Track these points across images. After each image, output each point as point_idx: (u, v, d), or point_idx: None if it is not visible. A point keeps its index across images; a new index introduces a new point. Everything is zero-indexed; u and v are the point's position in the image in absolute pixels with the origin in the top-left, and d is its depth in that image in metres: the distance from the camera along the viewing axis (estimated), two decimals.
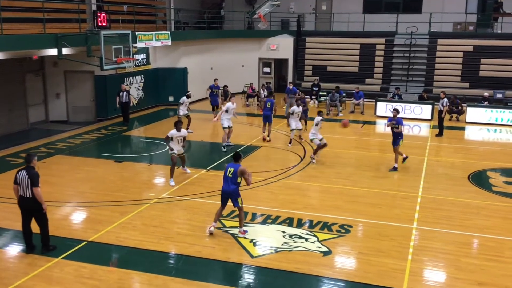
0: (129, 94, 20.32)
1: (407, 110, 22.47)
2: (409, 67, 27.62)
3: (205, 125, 20.41)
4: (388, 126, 14.46)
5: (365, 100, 23.68)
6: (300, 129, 17.21)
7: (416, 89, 26.37)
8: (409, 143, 18.02)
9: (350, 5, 30.33)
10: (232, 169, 9.62)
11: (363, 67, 28.32)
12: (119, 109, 20.14)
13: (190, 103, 19.55)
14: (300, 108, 17.14)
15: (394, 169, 14.33)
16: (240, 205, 9.73)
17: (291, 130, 17.05)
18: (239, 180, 9.61)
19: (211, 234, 9.80)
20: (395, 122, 14.24)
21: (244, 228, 9.95)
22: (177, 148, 12.94)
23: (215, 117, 18.32)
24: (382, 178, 13.76)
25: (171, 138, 12.81)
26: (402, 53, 28.10)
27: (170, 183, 12.73)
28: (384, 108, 22.74)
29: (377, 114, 22.88)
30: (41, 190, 8.75)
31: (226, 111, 16.26)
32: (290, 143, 17.03)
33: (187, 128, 18.19)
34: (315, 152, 15.20)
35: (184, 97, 18.83)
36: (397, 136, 14.22)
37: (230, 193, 9.66)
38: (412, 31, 27.72)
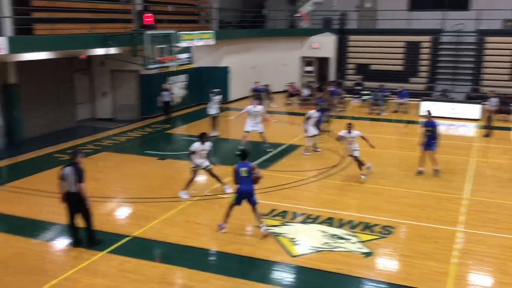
0: (171, 93, 20.57)
1: (454, 109, 21.87)
2: (456, 66, 26.86)
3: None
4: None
5: (409, 99, 23.19)
6: (316, 135, 15.77)
7: (463, 88, 25.62)
8: (455, 143, 17.57)
9: (395, 2, 29.74)
10: (245, 168, 9.64)
11: (407, 66, 27.74)
12: (161, 107, 20.47)
13: (224, 102, 19.11)
14: (318, 114, 15.65)
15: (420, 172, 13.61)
16: (257, 201, 9.82)
17: (307, 137, 15.63)
18: (253, 177, 9.66)
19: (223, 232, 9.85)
20: (427, 125, 13.56)
21: (266, 227, 9.82)
22: (199, 162, 11.80)
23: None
24: (425, 179, 13.45)
25: (193, 152, 11.69)
26: (448, 51, 27.37)
27: (182, 195, 11.81)
28: (429, 108, 22.15)
29: (421, 113, 22.35)
30: (88, 186, 9.02)
31: (249, 114, 15.58)
32: (307, 151, 15.67)
33: (214, 130, 18.09)
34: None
35: (211, 95, 18.49)
36: (430, 140, 13.47)
37: (250, 192, 9.69)
38: (459, 29, 26.93)
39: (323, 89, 22.94)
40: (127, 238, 9.67)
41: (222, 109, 18.45)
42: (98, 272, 8.42)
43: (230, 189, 11.83)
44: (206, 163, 11.87)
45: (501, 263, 8.76)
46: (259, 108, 15.76)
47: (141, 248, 9.32)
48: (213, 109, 18.26)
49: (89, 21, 16.78)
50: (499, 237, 9.80)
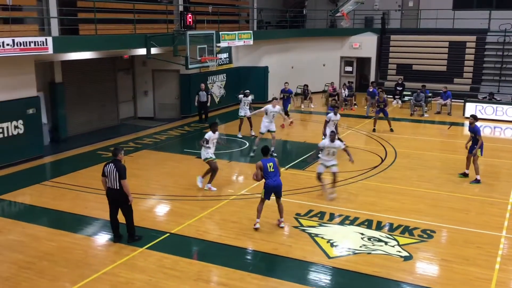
0: (207, 93, 20.51)
1: (499, 111, 21.19)
2: (502, 66, 25.99)
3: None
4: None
5: (452, 100, 22.60)
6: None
7: (510, 89, 24.75)
8: (501, 146, 17.02)
9: (439, 1, 29.03)
10: (271, 164, 9.86)
11: (451, 66, 27.02)
12: (197, 107, 20.51)
13: (263, 102, 18.68)
14: (338, 116, 15.05)
15: (476, 181, 12.97)
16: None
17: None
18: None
19: (256, 229, 9.96)
20: (470, 130, 13.22)
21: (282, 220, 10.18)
22: (212, 152, 12.19)
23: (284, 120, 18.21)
24: (469, 183, 13.07)
25: (207, 141, 12.02)
26: (494, 51, 26.50)
27: (198, 182, 12.29)
28: (473, 109, 21.53)
29: (466, 115, 21.73)
30: (128, 182, 9.20)
31: (266, 113, 15.24)
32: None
33: (251, 130, 17.92)
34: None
35: (241, 95, 18.09)
36: (473, 144, 13.12)
37: (280, 186, 9.96)
38: (506, 28, 26.04)
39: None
40: (166, 235, 9.81)
41: (255, 109, 18.00)
42: (137, 267, 8.57)
43: (215, 189, 12.30)
44: (210, 154, 12.21)
45: None
46: (277, 108, 15.52)
47: (179, 245, 9.44)
48: (242, 110, 17.94)
49: (132, 22, 17.12)
50: None
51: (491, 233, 9.94)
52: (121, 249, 9.22)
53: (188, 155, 15.80)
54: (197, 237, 9.76)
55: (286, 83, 21.17)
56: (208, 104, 20.63)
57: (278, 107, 15.71)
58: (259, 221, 10.07)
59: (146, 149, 16.54)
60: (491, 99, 22.59)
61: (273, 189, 9.90)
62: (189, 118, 21.25)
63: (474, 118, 13.40)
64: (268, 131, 15.36)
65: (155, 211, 11.47)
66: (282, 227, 10.12)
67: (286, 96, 20.87)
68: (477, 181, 12.99)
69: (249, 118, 17.94)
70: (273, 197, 10.07)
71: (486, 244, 9.41)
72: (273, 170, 9.83)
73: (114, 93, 20.29)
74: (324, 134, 14.61)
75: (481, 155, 13.16)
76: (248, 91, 18.32)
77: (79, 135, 18.06)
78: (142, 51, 17.49)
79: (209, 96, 20.62)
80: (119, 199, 9.23)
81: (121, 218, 9.45)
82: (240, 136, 17.89)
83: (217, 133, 12.32)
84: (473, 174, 13.15)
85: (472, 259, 8.80)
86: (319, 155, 12.07)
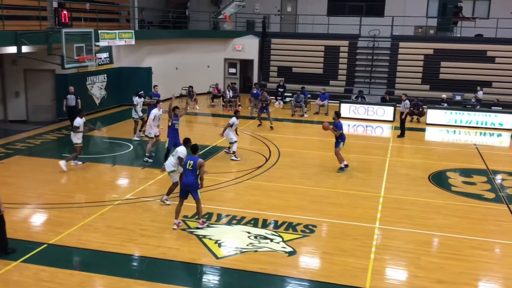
0: (77, 98, 18.57)
1: (370, 111, 22.87)
2: (372, 69, 28.11)
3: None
4: (326, 129, 14.50)
5: (329, 101, 23.96)
6: (236, 141, 15.45)
7: (379, 91, 26.86)
8: (371, 144, 18.37)
9: (314, 7, 30.66)
10: (191, 162, 9.90)
11: (327, 69, 28.65)
12: (66, 112, 18.67)
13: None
14: (238, 121, 15.59)
15: (341, 169, 14.34)
16: (199, 197, 10.06)
17: (232, 143, 15.36)
18: (198, 172, 9.92)
19: (176, 229, 10.06)
20: (334, 125, 14.39)
21: (203, 220, 10.32)
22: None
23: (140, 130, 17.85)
24: (345, 178, 13.96)
25: (77, 128, 13.80)
26: (365, 55, 28.58)
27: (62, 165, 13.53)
28: (348, 109, 23.06)
29: (341, 115, 23.12)
30: None
31: (153, 118, 15.00)
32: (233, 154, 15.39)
33: (140, 131, 17.52)
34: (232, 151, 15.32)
35: (137, 97, 17.41)
36: (337, 139, 14.39)
37: (190, 185, 9.94)
38: (375, 34, 28.22)
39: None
40: (43, 246, 9.19)
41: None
42: (12, 282, 7.94)
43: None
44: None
45: (416, 257, 9.25)
46: (161, 111, 15.37)
47: (58, 256, 8.90)
48: (139, 112, 17.33)
49: (0, 18, 15.79)
50: (414, 233, 10.35)
51: (365, 225, 10.68)
52: None
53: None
54: (79, 246, 9.28)
55: (155, 86, 19.95)
56: (79, 107, 18.44)
57: (161, 110, 15.47)
58: (177, 221, 10.07)
59: (19, 154, 15.37)
60: (358, 97, 24.27)
61: (185, 186, 9.99)
62: (67, 121, 20.06)
63: (337, 115, 14.68)
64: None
65: (31, 221, 10.69)
66: (201, 227, 10.16)
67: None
68: (342, 169, 14.30)
69: (142, 119, 17.36)
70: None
71: (362, 235, 10.10)
72: (190, 168, 9.85)
73: None
74: (222, 135, 15.39)
75: (342, 146, 14.43)
76: (142, 92, 17.76)
77: None
78: (12, 49, 16.18)
79: (78, 100, 18.64)
80: None
81: None
82: (137, 138, 17.31)
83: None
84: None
85: (350, 251, 9.39)
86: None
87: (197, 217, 10.40)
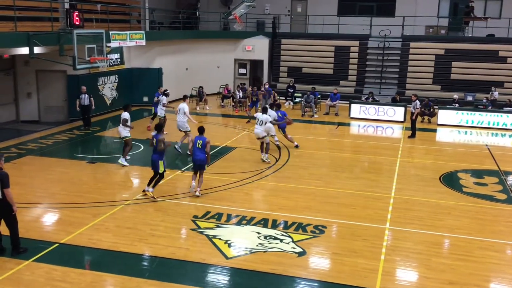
0: (90, 96, 19.08)
1: (381, 112, 22.77)
2: (383, 70, 28.00)
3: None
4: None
5: (339, 102, 23.90)
6: None
7: (389, 91, 26.75)
8: (382, 144, 18.30)
9: (325, 8, 30.60)
10: (201, 141, 11.73)
11: (337, 69, 28.58)
12: (79, 112, 19.12)
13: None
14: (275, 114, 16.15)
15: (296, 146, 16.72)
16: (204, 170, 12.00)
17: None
18: (206, 149, 11.68)
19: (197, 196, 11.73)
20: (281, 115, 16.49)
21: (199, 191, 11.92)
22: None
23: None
24: (356, 179, 13.92)
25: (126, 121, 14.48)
26: (375, 55, 28.47)
27: (123, 162, 14.46)
28: (358, 110, 22.99)
29: (351, 115, 23.12)
30: (12, 191, 8.57)
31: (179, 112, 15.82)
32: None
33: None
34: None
35: (164, 97, 17.87)
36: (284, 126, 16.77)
37: (201, 161, 11.73)
38: (385, 34, 28.11)
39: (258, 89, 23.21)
40: (54, 246, 9.28)
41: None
42: (24, 282, 8.02)
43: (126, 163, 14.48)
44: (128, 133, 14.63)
45: (426, 258, 9.21)
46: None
47: (69, 256, 8.97)
48: (162, 110, 17.83)
49: (12, 19, 15.96)
50: (424, 234, 10.30)
51: (376, 225, 10.65)
52: (5, 262, 8.57)
53: (78, 160, 15.07)
54: (90, 246, 9.35)
55: (160, 87, 20.66)
56: (93, 107, 19.25)
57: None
58: (195, 187, 11.93)
59: (31, 154, 15.51)
60: (369, 98, 24.19)
61: (194, 162, 11.87)
62: (79, 122, 20.23)
63: (278, 106, 16.97)
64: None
65: (42, 220, 10.79)
66: (197, 196, 11.77)
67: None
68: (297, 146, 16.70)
69: (164, 118, 17.92)
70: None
71: (372, 236, 10.07)
72: (200, 147, 11.66)
73: None
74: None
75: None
76: (168, 91, 18.64)
77: None
78: (24, 50, 16.34)
79: (91, 99, 19.12)
80: (2, 210, 8.57)
81: (3, 229, 8.77)
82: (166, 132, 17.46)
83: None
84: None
85: (360, 251, 9.37)
86: None
87: (197, 186, 11.93)
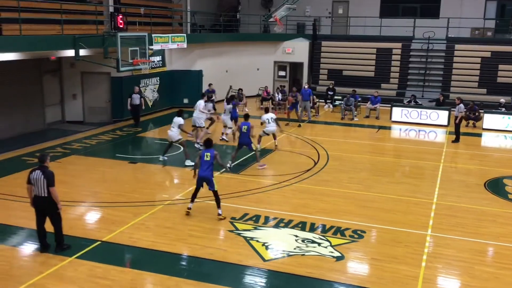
0: (141, 96, 20.33)
1: (423, 115, 22.26)
2: (426, 72, 27.40)
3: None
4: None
5: (380, 105, 23.51)
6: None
7: (432, 94, 26.14)
8: (424, 149, 17.89)
9: (366, 9, 30.19)
10: (209, 154, 10.74)
11: (379, 72, 28.14)
12: (130, 111, 20.15)
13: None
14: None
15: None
16: (216, 188, 10.72)
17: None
18: (214, 162, 10.78)
19: (188, 212, 10.92)
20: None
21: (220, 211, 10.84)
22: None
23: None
24: (396, 183, 13.65)
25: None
26: (419, 58, 27.89)
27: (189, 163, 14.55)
28: (399, 113, 22.56)
29: (393, 119, 22.71)
30: (56, 189, 8.82)
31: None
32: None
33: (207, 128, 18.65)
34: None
35: (202, 101, 17.67)
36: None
37: (207, 177, 10.67)
38: (429, 36, 27.50)
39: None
40: (97, 243, 9.49)
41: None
42: (66, 278, 8.24)
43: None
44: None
45: (469, 266, 8.93)
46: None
47: (110, 253, 9.17)
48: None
49: (59, 22, 16.48)
50: (467, 241, 10.00)
51: (417, 232, 10.40)
52: (49, 259, 8.82)
53: (120, 160, 15.40)
54: (130, 244, 9.52)
55: (210, 84, 22.42)
56: (143, 107, 20.34)
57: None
58: (191, 205, 10.96)
59: (75, 154, 15.95)
60: (411, 101, 23.69)
61: (201, 178, 10.71)
62: (121, 122, 20.73)
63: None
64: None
65: (85, 218, 11.07)
66: (221, 218, 10.74)
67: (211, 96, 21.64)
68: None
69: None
70: None
71: (413, 242, 9.84)
72: (208, 159, 10.66)
73: (40, 96, 19.40)
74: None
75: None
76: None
77: (3, 140, 17.11)
78: (70, 53, 16.83)
79: (142, 99, 20.26)
80: (47, 208, 8.84)
81: (48, 226, 9.05)
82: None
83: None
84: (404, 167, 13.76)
85: (401, 258, 9.17)
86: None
87: (218, 210, 10.83)
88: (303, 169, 14.64)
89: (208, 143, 10.98)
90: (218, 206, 10.79)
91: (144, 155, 16.36)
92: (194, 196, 10.94)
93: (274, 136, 17.04)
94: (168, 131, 15.10)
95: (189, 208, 10.92)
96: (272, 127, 16.47)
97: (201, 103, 17.09)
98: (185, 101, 24.14)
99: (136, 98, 19.87)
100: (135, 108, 20.02)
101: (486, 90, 25.77)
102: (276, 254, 9.27)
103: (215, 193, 10.75)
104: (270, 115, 16.70)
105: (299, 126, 20.77)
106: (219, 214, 10.74)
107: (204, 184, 10.79)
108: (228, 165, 13.59)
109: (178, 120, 14.77)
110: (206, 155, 10.71)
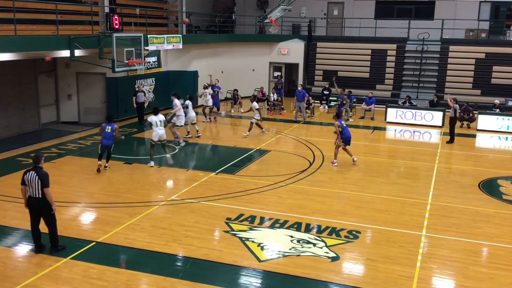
0: (145, 94, 20.92)
1: (418, 116, 22.35)
2: (421, 74, 27.50)
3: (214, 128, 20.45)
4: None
5: (375, 106, 23.58)
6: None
7: (427, 95, 26.23)
8: (419, 149, 17.95)
9: (361, 11, 30.31)
10: (110, 127, 13.72)
11: (374, 73, 28.23)
12: (135, 109, 20.66)
13: (194, 106, 19.42)
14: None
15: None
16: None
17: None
18: (115, 134, 13.68)
19: (99, 168, 13.78)
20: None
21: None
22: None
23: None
24: (391, 184, 13.70)
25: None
26: (413, 59, 28.00)
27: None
28: (394, 114, 22.65)
29: (387, 120, 22.79)
30: (51, 190, 8.81)
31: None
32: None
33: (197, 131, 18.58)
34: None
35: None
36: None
37: (111, 146, 13.80)
38: (424, 37, 27.61)
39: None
40: (92, 244, 9.48)
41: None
42: (62, 278, 8.22)
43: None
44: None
45: (463, 267, 8.97)
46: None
47: (105, 254, 9.15)
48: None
49: (54, 23, 16.44)
50: (462, 241, 10.04)
51: (412, 232, 10.44)
52: (44, 260, 8.81)
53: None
54: (125, 245, 9.51)
55: (216, 79, 23.22)
56: (146, 104, 20.97)
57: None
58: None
59: (70, 155, 15.92)
60: (406, 102, 23.78)
61: (105, 147, 13.77)
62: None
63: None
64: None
65: (80, 219, 11.05)
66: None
67: (217, 92, 22.56)
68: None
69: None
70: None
71: (408, 243, 9.88)
72: (109, 131, 13.66)
73: (34, 97, 19.33)
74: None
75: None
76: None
77: None
78: (65, 53, 16.81)
79: (145, 97, 20.84)
80: (41, 208, 8.82)
81: (42, 227, 9.03)
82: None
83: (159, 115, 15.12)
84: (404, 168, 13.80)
85: (395, 258, 9.21)
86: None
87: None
88: (298, 170, 14.67)
89: (109, 118, 13.96)
90: (107, 160, 14.09)
91: (140, 156, 16.33)
92: (100, 156, 13.89)
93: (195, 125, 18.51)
94: (158, 131, 14.86)
95: (100, 165, 13.80)
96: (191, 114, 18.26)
97: (189, 103, 18.39)
98: (181, 101, 24.05)
99: (140, 96, 20.48)
100: (140, 106, 20.64)
101: (481, 91, 25.91)
102: (272, 254, 9.29)
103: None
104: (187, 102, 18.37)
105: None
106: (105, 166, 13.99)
107: None
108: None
109: (161, 117, 15.05)
110: (108, 128, 13.64)
